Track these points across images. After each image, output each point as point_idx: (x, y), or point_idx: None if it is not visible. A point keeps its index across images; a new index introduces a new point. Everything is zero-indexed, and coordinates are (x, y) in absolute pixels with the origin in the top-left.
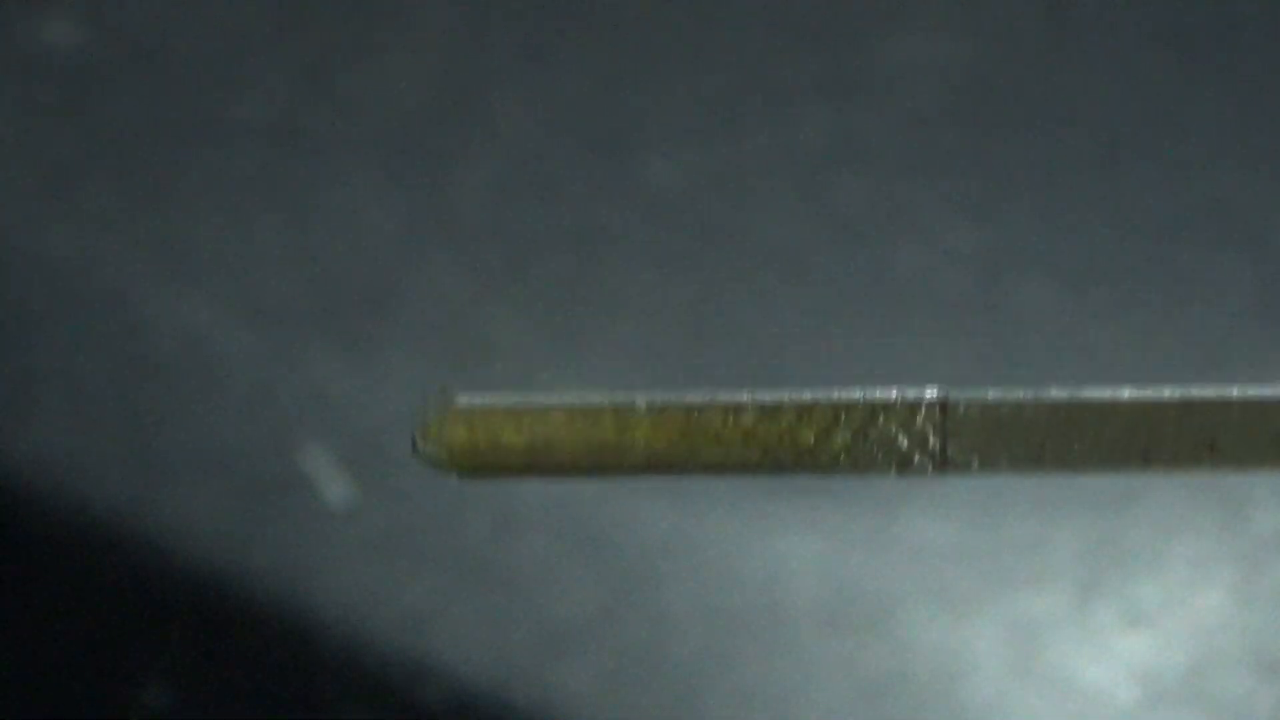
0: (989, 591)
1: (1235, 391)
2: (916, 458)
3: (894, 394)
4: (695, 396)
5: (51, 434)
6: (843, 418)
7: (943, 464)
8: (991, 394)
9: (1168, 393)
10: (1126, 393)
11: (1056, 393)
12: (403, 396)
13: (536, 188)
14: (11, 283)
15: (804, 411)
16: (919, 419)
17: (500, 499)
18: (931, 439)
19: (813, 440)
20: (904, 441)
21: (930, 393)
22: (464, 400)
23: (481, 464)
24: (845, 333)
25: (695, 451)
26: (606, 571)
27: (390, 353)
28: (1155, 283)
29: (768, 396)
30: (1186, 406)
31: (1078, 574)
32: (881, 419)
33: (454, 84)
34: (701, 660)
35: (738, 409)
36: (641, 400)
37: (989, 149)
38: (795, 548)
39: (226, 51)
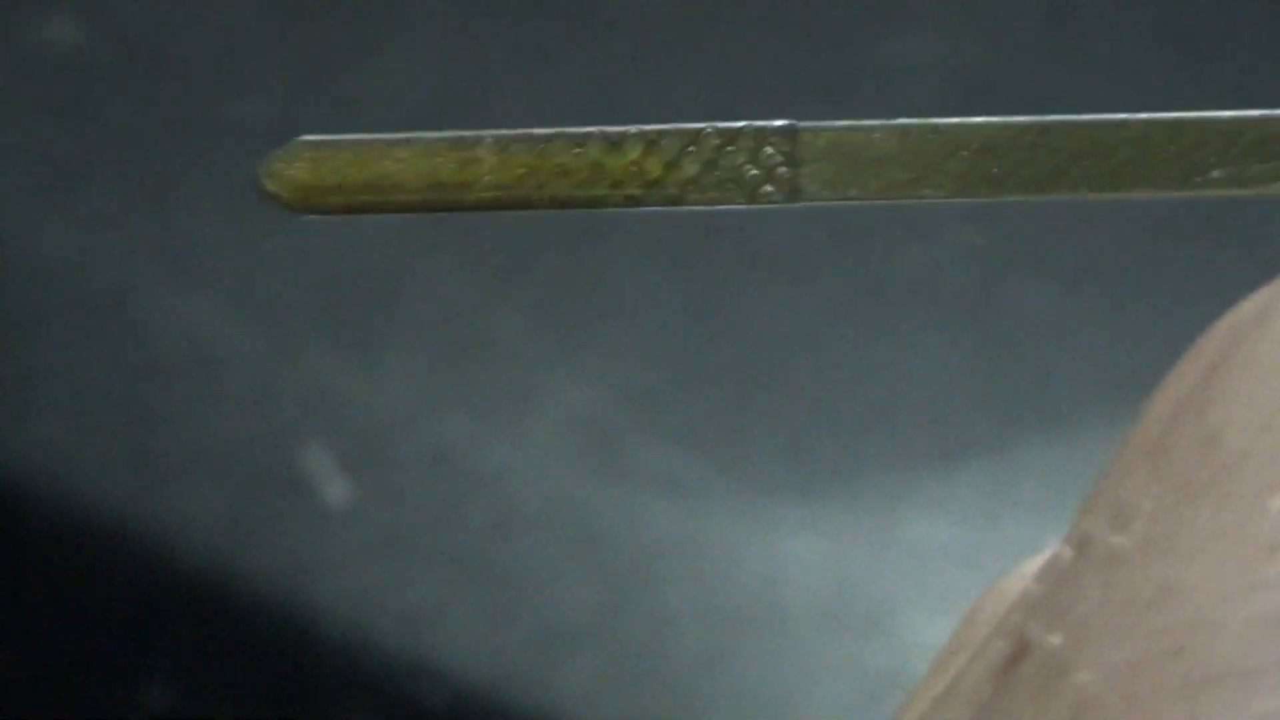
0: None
1: (1081, 118)
2: (766, 187)
3: (741, 124)
4: (541, 131)
5: (51, 434)
6: (690, 149)
7: (793, 193)
8: (841, 122)
9: (1021, 119)
10: (979, 120)
11: (907, 120)
12: (403, 396)
13: None
14: (11, 283)
15: (651, 143)
16: (767, 148)
17: (500, 499)
18: (780, 168)
19: (660, 171)
20: (752, 170)
21: (779, 122)
22: (307, 139)
23: (325, 201)
24: (845, 332)
25: (541, 185)
26: (606, 571)
27: (390, 353)
28: (1155, 283)
29: (614, 129)
30: (1041, 131)
31: None
32: (730, 149)
33: (454, 84)
34: (701, 660)
35: (584, 141)
36: (487, 136)
37: None
38: (795, 548)
39: (226, 51)
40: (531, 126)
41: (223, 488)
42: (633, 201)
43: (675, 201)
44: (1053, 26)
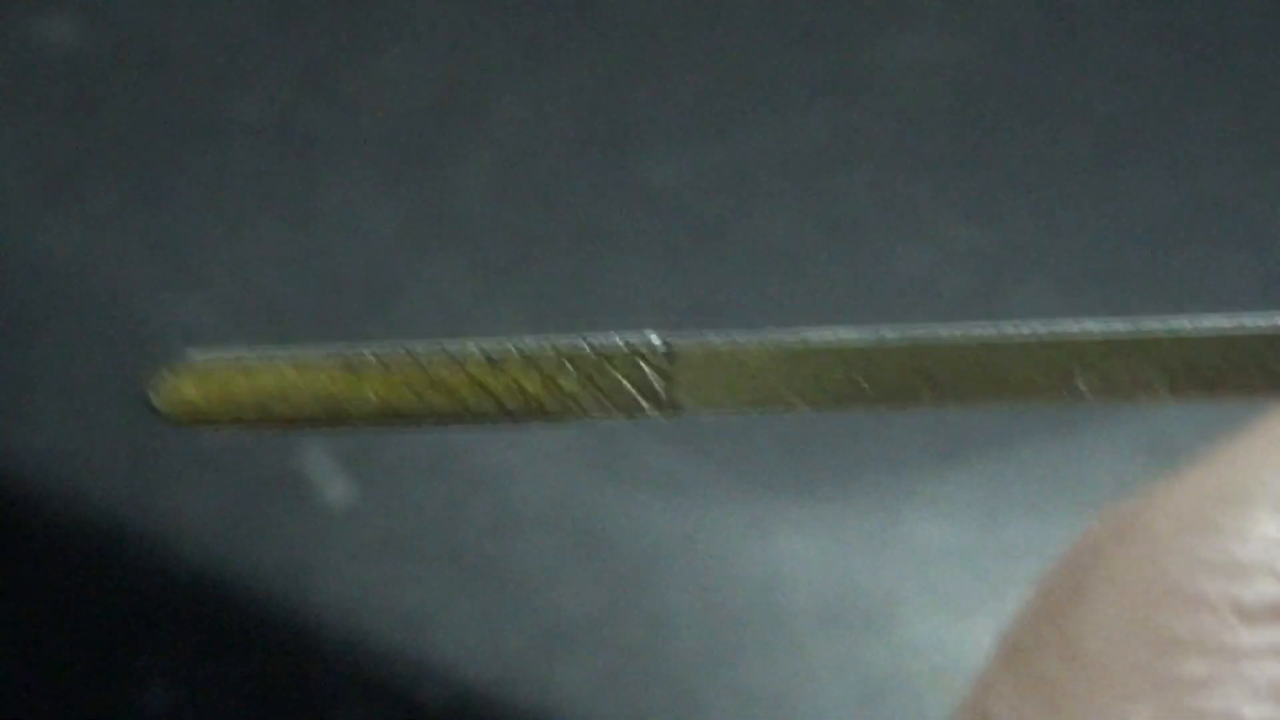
0: (989, 591)
1: (946, 332)
2: (644, 403)
3: (618, 340)
4: (422, 347)
5: (51, 434)
6: (568, 365)
7: (671, 408)
8: (714, 337)
9: (887, 332)
10: (847, 333)
11: (779, 334)
12: None
13: (536, 188)
14: (11, 283)
15: (529, 360)
16: (643, 364)
17: (500, 499)
18: (657, 384)
19: (539, 388)
20: (630, 388)
21: (653, 338)
22: (195, 355)
23: (212, 417)
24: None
25: (424, 401)
26: (606, 571)
27: None
28: (1155, 283)
29: (492, 346)
30: (908, 345)
31: None
32: (608, 366)
33: (454, 84)
34: (701, 660)
35: (464, 358)
36: (370, 352)
37: (989, 149)
38: (795, 548)
39: (226, 51)
40: (531, 127)
41: (223, 488)
42: (517, 419)
43: (558, 418)
44: (1053, 26)
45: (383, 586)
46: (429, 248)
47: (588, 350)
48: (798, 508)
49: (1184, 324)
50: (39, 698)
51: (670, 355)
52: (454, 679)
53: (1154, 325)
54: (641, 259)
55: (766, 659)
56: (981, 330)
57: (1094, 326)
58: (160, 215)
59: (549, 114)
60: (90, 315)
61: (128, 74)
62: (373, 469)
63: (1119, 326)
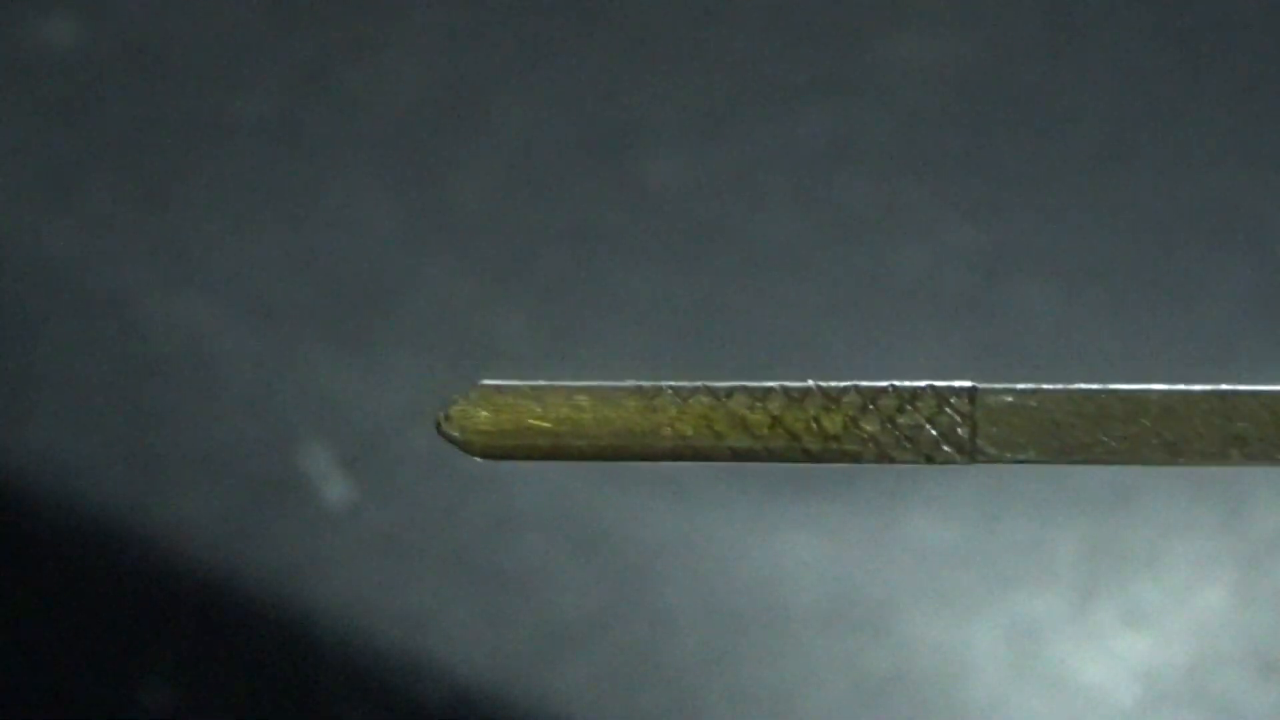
0: (989, 591)
1: (1264, 388)
2: (945, 447)
3: (923, 385)
4: (722, 383)
5: (51, 434)
6: (870, 405)
7: (971, 453)
8: (1020, 386)
9: (1198, 387)
10: (1154, 387)
11: (1084, 385)
12: (403, 396)
13: (536, 188)
14: (11, 283)
15: (831, 399)
16: (947, 409)
17: (500, 499)
18: (960, 429)
19: (840, 427)
20: (932, 431)
21: (960, 383)
22: (488, 382)
23: (504, 446)
24: (845, 332)
25: (721, 437)
26: (606, 571)
27: (390, 353)
28: (1155, 283)
29: (795, 385)
30: (1217, 399)
31: (1078, 574)
32: (910, 408)
33: (454, 84)
34: (701, 660)
35: (765, 395)
36: (668, 386)
37: (989, 149)
38: (795, 548)
39: (226, 51)
40: (531, 127)
41: (223, 488)
42: (811, 458)
43: (853, 459)
44: (1053, 26)
45: (383, 586)
46: (429, 248)
47: (891, 391)
48: (798, 508)
49: None
50: (39, 698)
51: (975, 400)
52: (454, 679)
53: None
54: (641, 259)
55: (766, 659)
56: None
57: None
58: (160, 215)
59: (549, 114)
60: (90, 315)
61: (128, 74)
62: (373, 469)
63: None
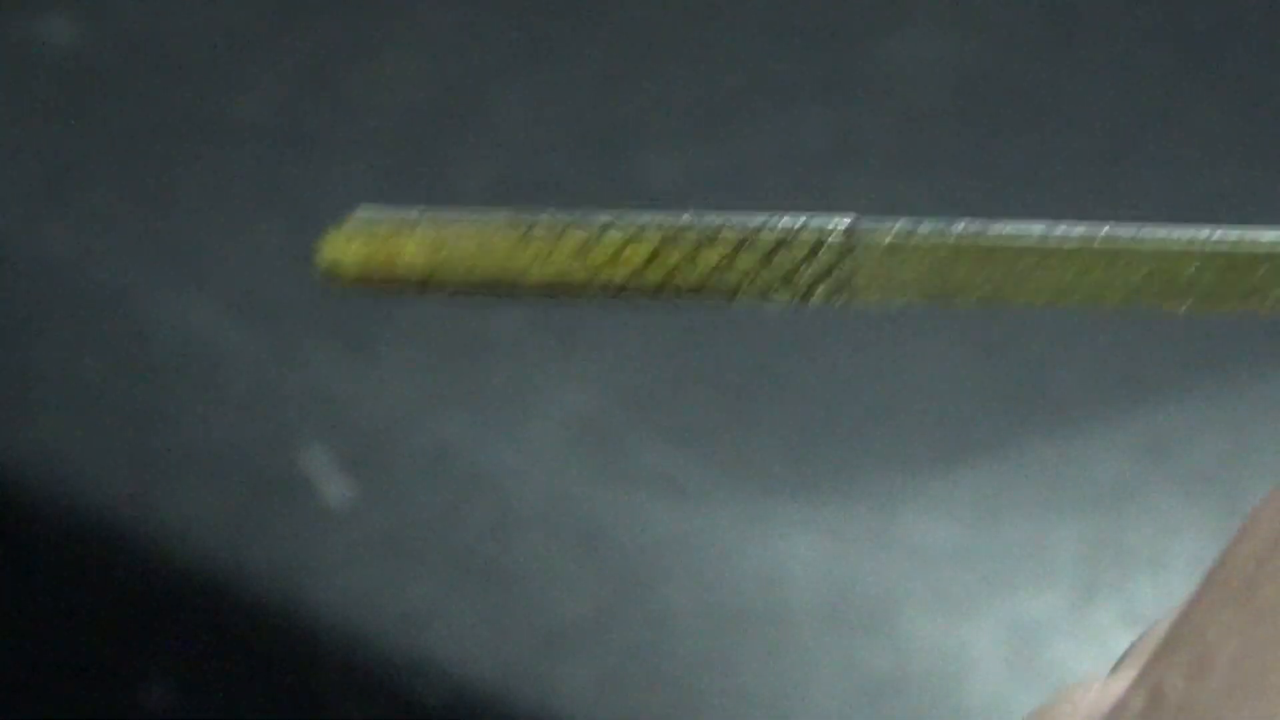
0: (989, 591)
1: (1145, 233)
2: (822, 287)
3: (800, 222)
4: (597, 217)
5: (51, 434)
6: (749, 243)
7: (849, 293)
8: (899, 224)
9: (1078, 230)
10: (1036, 228)
11: (964, 225)
12: (403, 396)
13: (536, 188)
14: (11, 283)
15: (707, 237)
16: (826, 247)
17: (500, 499)
18: (837, 268)
19: (715, 264)
20: (810, 269)
21: (838, 222)
22: (363, 214)
23: (378, 278)
24: (845, 332)
25: (595, 272)
26: (606, 571)
27: (390, 353)
28: None
29: (671, 219)
30: (1100, 244)
31: (1078, 574)
32: (788, 246)
33: (454, 84)
34: (701, 660)
35: (640, 229)
36: (544, 219)
37: (989, 149)
38: (795, 548)
39: (226, 51)
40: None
41: (223, 488)
42: (684, 295)
43: (728, 297)
44: (1053, 26)
45: (383, 586)
46: None
47: (769, 228)
48: (798, 507)
49: None
50: (39, 698)
51: (852, 239)
52: (454, 679)
53: None
54: None
55: (766, 659)
56: (1176, 232)
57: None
58: (160, 215)
59: (549, 114)
60: (90, 315)
61: (128, 74)
62: (373, 469)
63: None
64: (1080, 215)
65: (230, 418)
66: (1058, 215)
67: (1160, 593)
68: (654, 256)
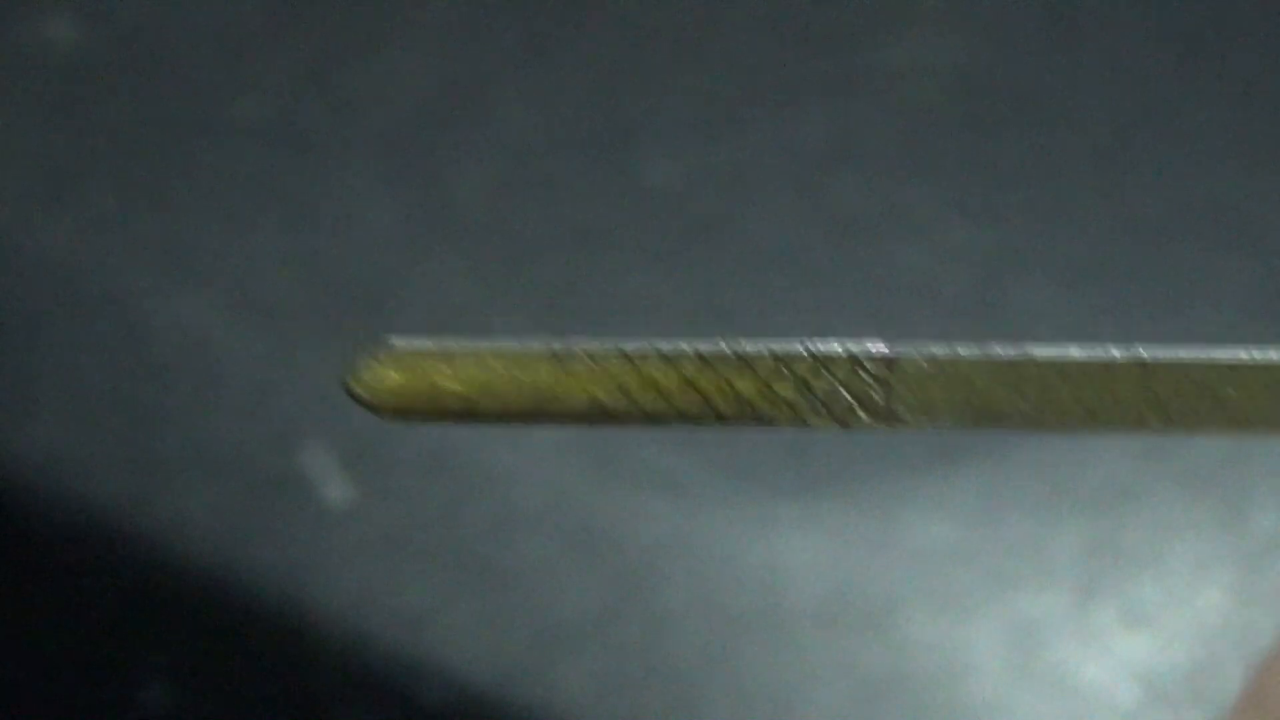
0: (989, 591)
1: (1185, 354)
2: (861, 413)
3: (838, 347)
4: (634, 345)
5: (51, 434)
6: (785, 370)
7: (888, 418)
8: (937, 349)
9: (1118, 353)
10: (1074, 351)
11: (1003, 350)
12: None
13: (536, 188)
14: (11, 283)
15: (745, 363)
16: (864, 373)
17: (500, 499)
18: (875, 394)
19: (753, 391)
20: (848, 396)
21: (874, 347)
22: (397, 342)
23: (413, 408)
24: (845, 332)
25: (634, 400)
26: (606, 571)
27: None
28: (1155, 283)
29: (707, 347)
30: (1140, 367)
31: (1078, 574)
32: (825, 372)
33: (454, 84)
34: (701, 660)
35: (677, 359)
36: (580, 348)
37: (989, 149)
38: (795, 548)
39: (226, 51)
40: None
41: (223, 488)
42: (725, 421)
43: (768, 423)
44: (1053, 26)
45: (383, 586)
46: (429, 248)
47: (806, 355)
48: (798, 508)
49: None
50: (39, 698)
51: (890, 364)
52: (454, 679)
53: None
54: (641, 259)
55: (766, 659)
56: (1217, 354)
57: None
58: (160, 215)
59: (549, 114)
60: (90, 315)
61: (128, 74)
62: (373, 469)
63: None
64: (1080, 215)
65: (230, 418)
66: (1058, 215)
67: (1160, 593)
68: (689, 384)
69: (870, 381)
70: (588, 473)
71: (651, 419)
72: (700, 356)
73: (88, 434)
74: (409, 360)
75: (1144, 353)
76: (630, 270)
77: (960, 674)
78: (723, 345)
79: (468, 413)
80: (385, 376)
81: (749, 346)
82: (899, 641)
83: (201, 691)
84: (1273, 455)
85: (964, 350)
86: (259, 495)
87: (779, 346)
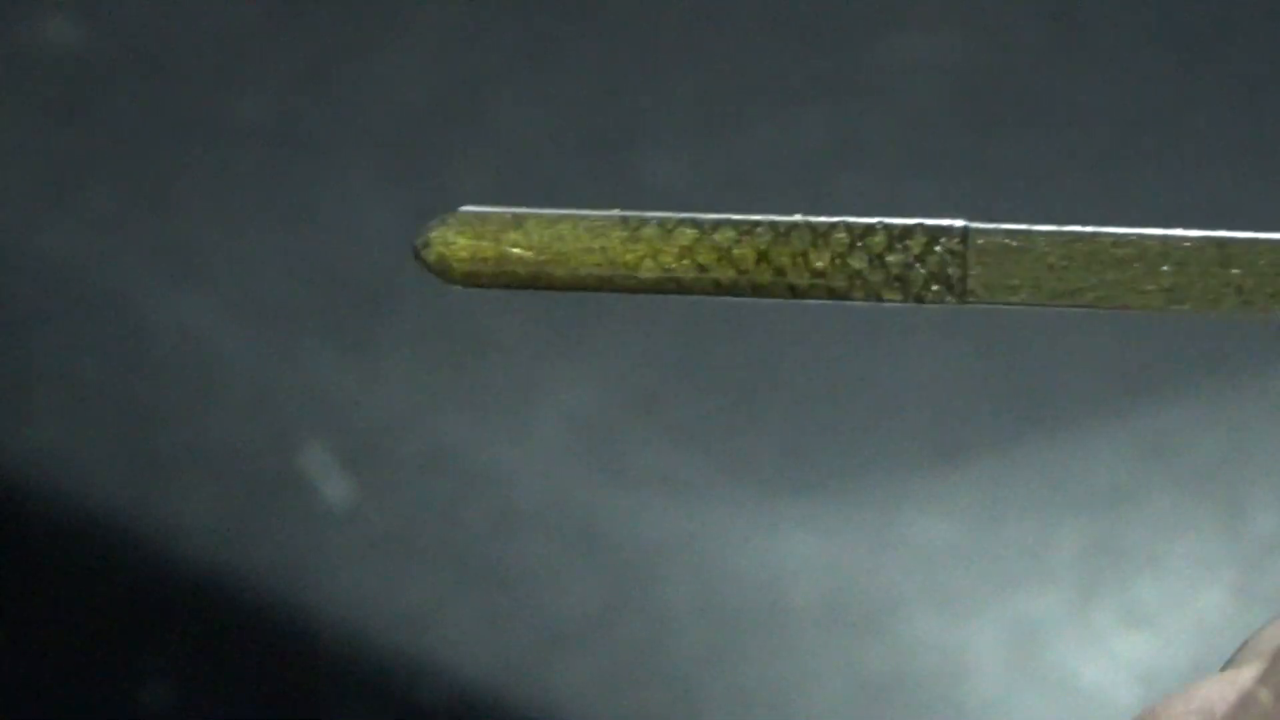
0: (989, 591)
1: (1262, 235)
2: (934, 286)
3: (914, 223)
4: (708, 215)
5: (51, 434)
6: (859, 243)
7: (961, 293)
8: (1012, 226)
9: (1195, 233)
10: (1149, 232)
11: (1078, 228)
12: (403, 396)
13: (536, 188)
14: (11, 283)
15: (820, 236)
16: (937, 247)
17: (500, 499)
18: (950, 268)
19: (827, 263)
20: (922, 270)
21: (952, 222)
22: (468, 209)
23: (484, 273)
24: (845, 332)
25: (705, 270)
26: (606, 571)
27: (390, 353)
28: None
29: (783, 220)
30: (1214, 246)
31: (1078, 574)
32: (900, 246)
33: (454, 84)
34: (701, 660)
35: (751, 228)
36: (652, 216)
37: (989, 149)
38: (795, 548)
39: (226, 51)
40: (531, 127)
41: (223, 488)
42: (797, 294)
43: (841, 295)
44: (1053, 26)
45: (383, 586)
46: None
47: (881, 229)
48: (798, 507)
49: None
50: (39, 698)
51: (966, 239)
52: (454, 679)
53: None
54: None
55: (766, 659)
56: None
57: None
58: (160, 215)
59: (549, 114)
60: (90, 315)
61: (128, 74)
62: (373, 469)
63: None
64: (1080, 215)
65: (230, 418)
66: (1058, 216)
67: (1160, 593)
68: (763, 256)
69: (945, 255)
70: (588, 473)
71: (722, 289)
72: (774, 228)
73: (88, 434)
74: (479, 225)
75: (1220, 233)
76: None
77: (960, 674)
78: (798, 219)
79: (537, 279)
80: (455, 241)
81: (824, 220)
82: (899, 641)
83: (201, 691)
84: (1273, 455)
85: (1040, 227)
86: (259, 495)
87: (855, 221)
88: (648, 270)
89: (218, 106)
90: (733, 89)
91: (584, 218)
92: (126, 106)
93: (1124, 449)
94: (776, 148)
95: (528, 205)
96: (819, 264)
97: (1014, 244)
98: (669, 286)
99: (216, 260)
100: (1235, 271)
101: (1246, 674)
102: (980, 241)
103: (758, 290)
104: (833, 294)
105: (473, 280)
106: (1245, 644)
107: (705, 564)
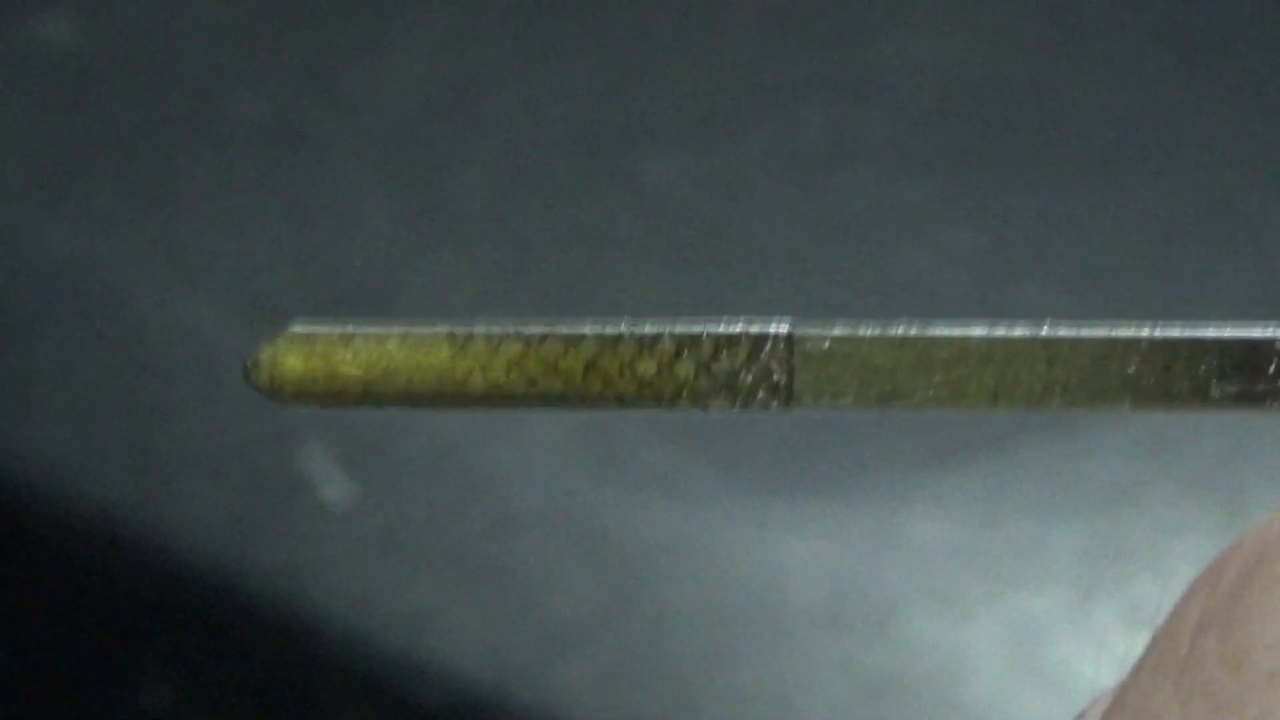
0: (989, 591)
1: (1084, 333)
2: (762, 394)
3: (739, 328)
4: (534, 327)
5: (51, 434)
6: (685, 351)
7: (788, 400)
8: (837, 330)
9: (1019, 331)
10: (975, 330)
11: (904, 329)
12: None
13: (536, 188)
14: (11, 283)
15: (645, 346)
16: (764, 354)
17: (500, 499)
18: (776, 375)
19: (654, 372)
20: (748, 377)
21: (774, 327)
22: (298, 328)
23: (313, 392)
24: None
25: (534, 383)
26: (606, 571)
27: None
28: (1155, 283)
29: (608, 329)
30: (1041, 345)
31: (1078, 574)
32: (725, 353)
33: (454, 84)
34: (701, 660)
35: (578, 340)
36: (479, 330)
37: (989, 149)
38: (795, 548)
39: (226, 51)
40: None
41: (223, 488)
42: (625, 404)
43: (669, 405)
44: (1053, 26)
45: (383, 586)
46: (429, 248)
47: (706, 336)
48: (798, 508)
49: None
50: (39, 698)
51: (791, 346)
52: (454, 679)
53: None
54: (641, 259)
55: (766, 659)
56: (1119, 331)
57: (1230, 331)
58: (160, 215)
59: (549, 114)
60: (90, 315)
61: (128, 74)
62: (373, 469)
63: (1254, 332)
64: (1080, 215)
65: (230, 418)
66: (1058, 216)
67: (1160, 593)
68: (590, 367)
69: (770, 362)
70: (588, 473)
71: (552, 402)
72: (600, 338)
73: (88, 434)
74: (308, 344)
75: (1045, 330)
76: (630, 270)
77: (960, 674)
78: (623, 327)
79: (367, 396)
80: (284, 362)
81: (649, 328)
82: (899, 641)
83: (201, 692)
84: (1273, 455)
85: (865, 329)
86: (259, 495)
87: (679, 328)
88: (476, 385)
89: (218, 106)
90: (732, 89)
91: (410, 335)
92: (126, 105)
93: (1124, 449)
94: (776, 148)
95: (527, 205)
96: (646, 373)
97: (839, 349)
98: (499, 401)
99: (216, 260)
100: (1059, 371)
101: None
102: (806, 347)
103: (587, 401)
104: (660, 402)
105: (304, 400)
106: (1084, 711)
107: (705, 564)
